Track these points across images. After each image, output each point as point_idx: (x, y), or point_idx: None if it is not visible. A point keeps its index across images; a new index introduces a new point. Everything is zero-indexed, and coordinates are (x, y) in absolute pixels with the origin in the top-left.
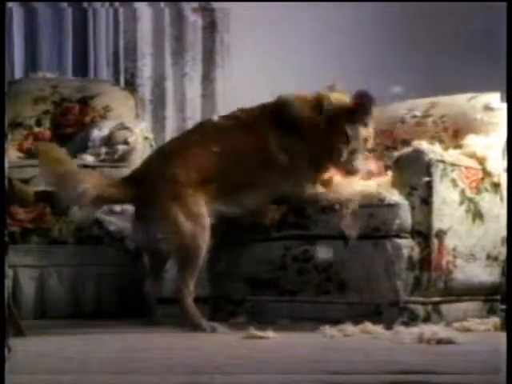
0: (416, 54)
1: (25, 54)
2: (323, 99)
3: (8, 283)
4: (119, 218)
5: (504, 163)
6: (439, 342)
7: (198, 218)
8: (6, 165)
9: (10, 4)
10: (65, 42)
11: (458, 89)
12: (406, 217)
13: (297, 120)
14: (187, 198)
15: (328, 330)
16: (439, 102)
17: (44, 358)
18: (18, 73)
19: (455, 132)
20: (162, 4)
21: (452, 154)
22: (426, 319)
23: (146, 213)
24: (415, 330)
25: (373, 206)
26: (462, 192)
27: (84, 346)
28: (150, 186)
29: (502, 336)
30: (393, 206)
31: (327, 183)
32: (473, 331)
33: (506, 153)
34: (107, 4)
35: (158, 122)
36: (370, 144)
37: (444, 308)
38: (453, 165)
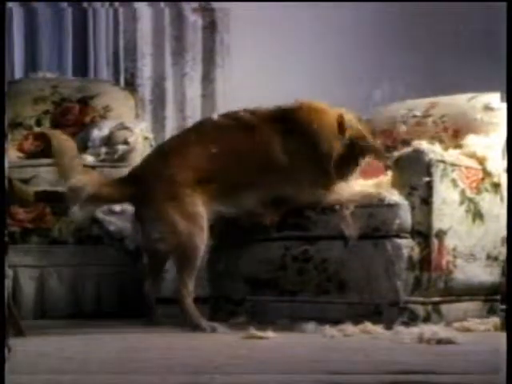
0: (416, 54)
1: (25, 54)
2: (343, 120)
3: (8, 283)
4: (119, 217)
5: (504, 163)
6: (439, 341)
7: (196, 217)
8: (6, 165)
9: (9, 4)
10: (65, 42)
11: (458, 89)
12: (406, 217)
13: (312, 129)
14: (185, 197)
15: (328, 329)
16: (439, 102)
17: (44, 358)
18: (18, 73)
19: (455, 132)
20: (162, 4)
21: (452, 154)
22: (426, 319)
23: (144, 212)
24: (415, 329)
25: (373, 206)
26: (462, 192)
27: (84, 346)
28: (148, 185)
29: (502, 336)
30: (393, 206)
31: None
32: (473, 331)
33: (505, 153)
34: (107, 4)
35: (158, 121)
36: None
37: (444, 308)
38: (453, 165)
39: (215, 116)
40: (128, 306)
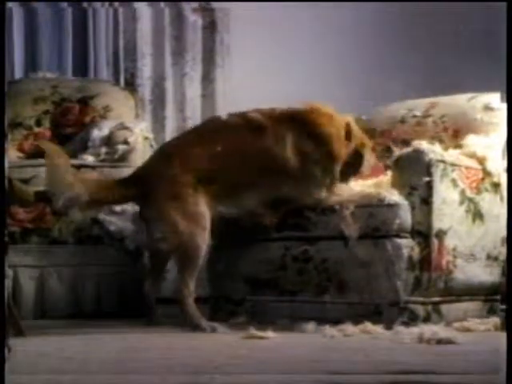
0: (416, 54)
1: (25, 54)
2: (350, 128)
3: (8, 283)
4: (119, 218)
5: (504, 163)
6: (439, 341)
7: (198, 217)
8: (6, 165)
9: (9, 4)
10: (65, 42)
11: (458, 89)
12: (405, 217)
13: (324, 132)
14: (187, 197)
15: (328, 329)
16: (439, 102)
17: (44, 358)
18: (18, 73)
19: (455, 132)
20: (162, 4)
21: (452, 154)
22: (426, 319)
23: (146, 212)
24: (415, 329)
25: (373, 206)
26: (462, 192)
27: (84, 346)
28: (151, 185)
29: (502, 336)
30: (393, 206)
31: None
32: (473, 331)
33: (505, 153)
34: (107, 4)
35: (158, 121)
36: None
37: (444, 308)
38: (453, 165)
39: (223, 115)
40: (128, 305)
